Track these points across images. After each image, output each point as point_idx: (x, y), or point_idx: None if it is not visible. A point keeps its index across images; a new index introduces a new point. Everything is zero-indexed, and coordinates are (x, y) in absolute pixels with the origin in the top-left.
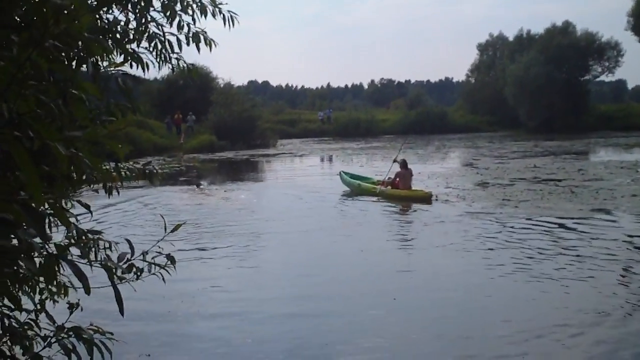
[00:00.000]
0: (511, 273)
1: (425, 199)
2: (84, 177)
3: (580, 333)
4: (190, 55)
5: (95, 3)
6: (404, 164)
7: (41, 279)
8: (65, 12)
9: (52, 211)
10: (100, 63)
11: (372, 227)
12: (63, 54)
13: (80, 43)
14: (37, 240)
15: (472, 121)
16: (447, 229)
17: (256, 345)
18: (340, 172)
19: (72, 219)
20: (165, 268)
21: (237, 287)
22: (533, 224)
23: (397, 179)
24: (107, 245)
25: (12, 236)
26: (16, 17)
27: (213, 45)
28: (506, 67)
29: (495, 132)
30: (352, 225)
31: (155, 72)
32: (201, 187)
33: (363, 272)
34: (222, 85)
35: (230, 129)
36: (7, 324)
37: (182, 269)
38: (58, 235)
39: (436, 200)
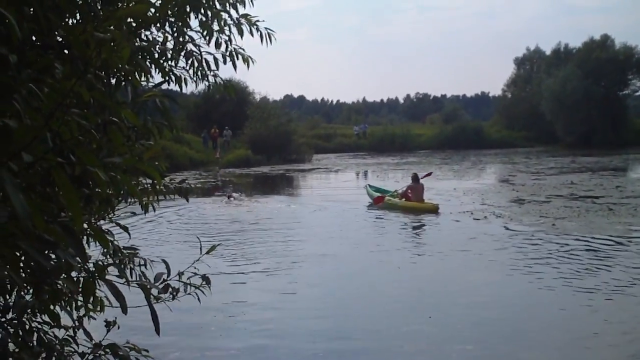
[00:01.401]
0: (549, 290)
1: (432, 210)
2: (121, 197)
3: (616, 345)
4: (227, 70)
5: (135, 24)
6: (415, 178)
7: (79, 296)
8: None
9: (91, 232)
10: (138, 80)
11: (407, 242)
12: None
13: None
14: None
15: (509, 136)
16: (484, 246)
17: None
18: (366, 185)
19: (109, 237)
20: (201, 288)
21: (270, 302)
22: (570, 242)
23: (409, 192)
24: (142, 262)
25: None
26: (58, 38)
27: (250, 63)
28: (543, 82)
29: (532, 148)
30: (388, 241)
31: (191, 86)
32: (232, 198)
33: (398, 288)
34: (258, 100)
35: (266, 143)
36: (45, 340)
37: (214, 286)
38: (94, 249)
39: (471, 215)
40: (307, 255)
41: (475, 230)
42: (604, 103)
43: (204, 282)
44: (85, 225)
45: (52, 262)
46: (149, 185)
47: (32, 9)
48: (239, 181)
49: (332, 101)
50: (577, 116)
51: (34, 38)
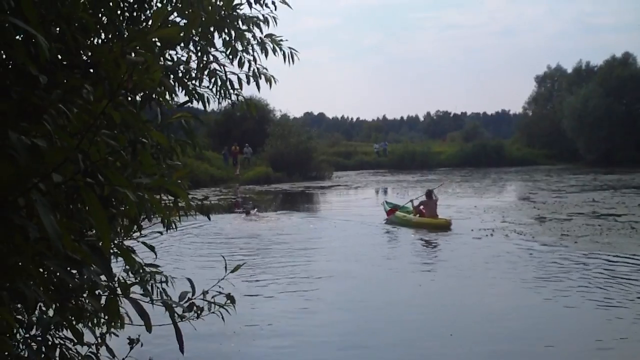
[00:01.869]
0: (570, 308)
1: (445, 226)
2: (144, 216)
3: None
4: (248, 88)
5: (160, 44)
6: (429, 194)
7: (102, 313)
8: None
9: (118, 252)
10: (168, 101)
11: (428, 260)
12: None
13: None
14: (102, 277)
15: (529, 154)
16: (505, 263)
17: None
18: (383, 202)
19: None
20: (225, 307)
21: (290, 323)
22: (592, 260)
23: (423, 207)
24: (163, 279)
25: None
26: (84, 57)
27: (273, 82)
28: (564, 100)
29: (553, 165)
30: (408, 258)
31: (214, 104)
32: (251, 214)
33: (419, 306)
34: (278, 117)
35: (286, 160)
36: (68, 356)
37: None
38: (115, 266)
39: (492, 233)
40: (327, 273)
41: (496, 248)
42: (626, 121)
43: (228, 301)
44: (111, 245)
45: (76, 280)
46: (171, 203)
47: (58, 29)
48: (259, 198)
49: (352, 119)
50: (598, 134)
51: (59, 57)
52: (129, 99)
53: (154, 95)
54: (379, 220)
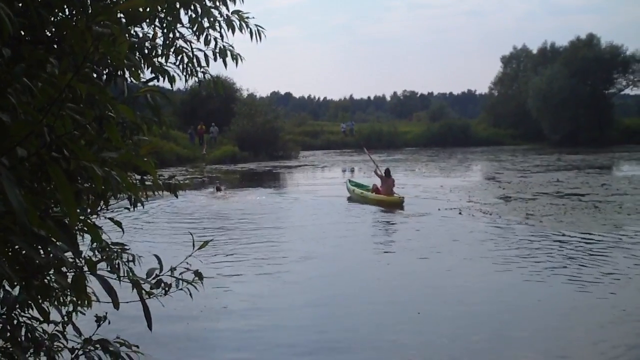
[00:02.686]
0: (536, 284)
1: (398, 203)
2: (112, 193)
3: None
4: (215, 67)
5: (125, 20)
6: (387, 173)
7: (69, 291)
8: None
9: (85, 227)
10: (137, 74)
11: (395, 240)
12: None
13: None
14: (68, 254)
15: (495, 134)
16: (471, 242)
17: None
18: (346, 181)
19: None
20: (193, 284)
21: (258, 299)
22: (557, 238)
23: (380, 186)
24: (130, 258)
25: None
26: (47, 33)
27: (240, 61)
28: (530, 80)
29: (518, 146)
30: (375, 238)
31: (180, 83)
32: (220, 191)
33: (387, 285)
34: (245, 97)
35: (252, 140)
36: (34, 336)
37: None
38: (81, 244)
39: (458, 212)
40: (295, 253)
41: (462, 227)
42: (590, 102)
43: (196, 278)
44: (78, 221)
45: (42, 257)
46: (137, 180)
47: (21, 4)
48: (226, 177)
49: (319, 98)
50: (563, 114)
51: (22, 33)
52: (95, 74)
53: (119, 72)
54: (345, 199)
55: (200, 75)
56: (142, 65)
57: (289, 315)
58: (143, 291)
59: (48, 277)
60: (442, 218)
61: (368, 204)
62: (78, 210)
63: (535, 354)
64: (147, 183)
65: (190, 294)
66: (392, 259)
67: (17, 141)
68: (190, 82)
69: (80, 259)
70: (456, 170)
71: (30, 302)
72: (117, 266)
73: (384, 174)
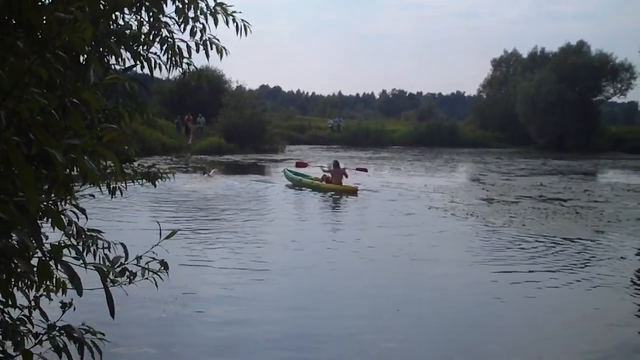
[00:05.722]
0: (513, 285)
1: (352, 192)
2: (80, 181)
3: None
4: (203, 58)
5: (107, 6)
6: (336, 164)
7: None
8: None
9: (47, 213)
10: (110, 64)
11: (376, 235)
12: (68, 61)
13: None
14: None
15: (482, 136)
16: (452, 242)
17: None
18: (284, 170)
19: (73, 218)
20: (158, 273)
21: (236, 284)
22: (537, 241)
23: (330, 176)
24: (105, 245)
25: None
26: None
27: (224, 54)
28: (518, 84)
29: (504, 149)
30: (356, 230)
31: (164, 73)
32: (209, 174)
33: (368, 282)
34: (233, 89)
35: (239, 132)
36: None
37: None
38: (58, 232)
39: (440, 212)
40: (274, 241)
41: (444, 226)
42: (577, 108)
43: (162, 267)
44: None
45: (6, 243)
46: (113, 169)
47: None
48: (210, 168)
49: (308, 93)
50: (550, 119)
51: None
52: (69, 63)
53: (82, 59)
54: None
55: (184, 66)
56: (125, 53)
57: (266, 303)
58: (108, 279)
59: (14, 263)
60: (423, 218)
61: (320, 191)
62: (43, 196)
63: (512, 350)
64: (126, 170)
65: (156, 284)
66: (372, 254)
67: None
68: (175, 72)
69: (42, 244)
70: (441, 171)
71: None
72: (91, 253)
73: (332, 167)
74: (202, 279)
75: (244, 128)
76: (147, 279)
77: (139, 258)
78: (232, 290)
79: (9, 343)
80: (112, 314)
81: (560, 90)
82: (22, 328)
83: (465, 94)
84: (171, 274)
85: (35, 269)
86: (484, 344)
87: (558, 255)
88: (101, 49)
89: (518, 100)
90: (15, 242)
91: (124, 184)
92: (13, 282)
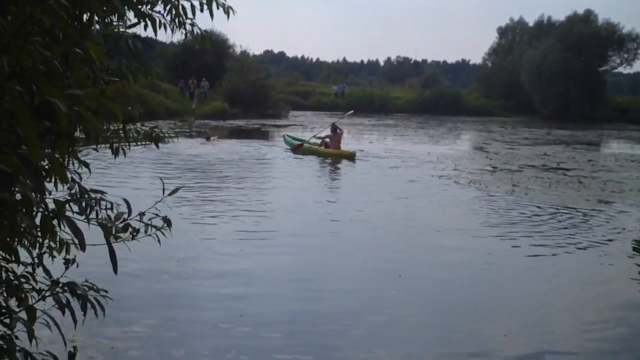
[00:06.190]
0: (519, 255)
1: (350, 156)
2: (89, 136)
3: (566, 313)
4: (207, 21)
5: None
6: (334, 129)
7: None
8: None
9: (50, 166)
10: (113, 23)
11: (378, 201)
12: (74, 12)
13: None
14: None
15: (486, 105)
16: (454, 209)
17: (252, 311)
18: (284, 135)
19: (76, 177)
20: (162, 230)
21: (237, 251)
22: (540, 210)
23: (329, 141)
24: (108, 205)
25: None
26: None
27: (231, 13)
28: (524, 53)
29: (509, 117)
30: (359, 197)
31: (172, 36)
32: (210, 140)
33: (370, 246)
34: (238, 53)
35: (243, 97)
36: (3, 277)
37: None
38: (61, 193)
39: (444, 180)
40: (277, 206)
41: (447, 194)
42: (583, 77)
43: (164, 224)
44: (46, 161)
45: (9, 196)
46: (118, 129)
47: None
48: (212, 134)
49: (312, 59)
50: (555, 89)
51: None
52: (72, 15)
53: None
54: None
55: (188, 27)
56: (127, 11)
57: (268, 270)
58: (111, 235)
59: (18, 218)
60: (426, 185)
61: (319, 156)
62: (47, 151)
63: (514, 319)
64: (128, 130)
65: (159, 240)
66: (375, 222)
67: None
68: (178, 36)
69: (45, 197)
70: (445, 139)
71: None
72: (94, 213)
73: (330, 132)
74: (201, 245)
75: (247, 93)
76: (150, 235)
77: (142, 214)
78: (233, 259)
79: (13, 300)
80: (115, 269)
81: (565, 59)
82: (25, 285)
83: (470, 62)
84: (172, 239)
85: (38, 226)
86: (483, 310)
87: (560, 224)
88: (104, 7)
89: (523, 69)
90: (18, 198)
91: (127, 145)
92: (17, 239)
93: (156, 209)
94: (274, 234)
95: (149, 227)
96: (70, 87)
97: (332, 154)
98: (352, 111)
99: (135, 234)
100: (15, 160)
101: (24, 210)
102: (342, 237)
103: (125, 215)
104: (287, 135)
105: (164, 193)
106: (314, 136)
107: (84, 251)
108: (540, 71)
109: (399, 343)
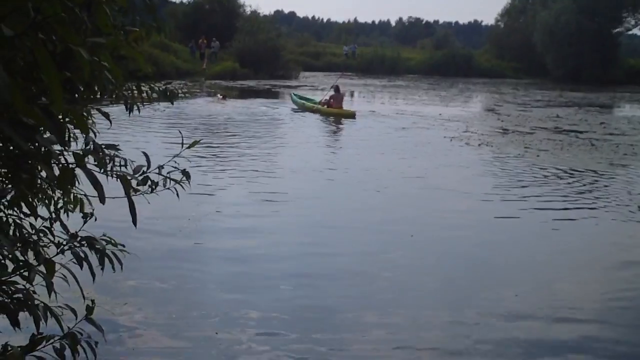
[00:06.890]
0: (529, 219)
1: (351, 116)
2: (104, 90)
3: (573, 279)
4: None
5: None
6: (336, 89)
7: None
8: None
9: (71, 117)
10: None
11: (388, 164)
12: None
13: None
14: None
15: (498, 66)
16: (465, 171)
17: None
18: (291, 94)
19: (92, 130)
20: (181, 183)
21: (249, 212)
22: (552, 172)
23: (332, 100)
24: (123, 162)
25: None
26: None
27: None
28: (537, 14)
29: (521, 79)
30: (369, 159)
31: None
32: (225, 98)
33: (381, 207)
34: (248, 13)
35: (254, 57)
36: (21, 232)
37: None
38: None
39: (455, 141)
40: (289, 168)
41: (458, 156)
42: (596, 39)
43: (183, 177)
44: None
45: (30, 147)
46: (134, 87)
47: None
48: (225, 93)
49: (323, 20)
50: (568, 50)
51: None
52: None
53: None
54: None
55: None
56: None
57: (280, 231)
58: (130, 188)
59: (37, 170)
60: (437, 146)
61: (321, 115)
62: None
63: (523, 283)
64: (142, 88)
65: (177, 194)
66: (385, 182)
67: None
68: None
69: (67, 148)
70: (456, 100)
71: (18, 196)
72: (109, 168)
73: (333, 92)
74: (211, 206)
75: (258, 53)
76: (168, 188)
77: (160, 167)
78: (241, 220)
79: (31, 253)
80: (135, 222)
81: (579, 20)
82: (43, 239)
83: (483, 23)
84: (181, 200)
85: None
86: (493, 271)
87: (572, 187)
88: None
89: (536, 30)
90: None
91: (141, 103)
92: (35, 194)
93: (175, 161)
94: (283, 195)
95: (168, 180)
96: (87, 34)
97: (332, 113)
98: (341, 73)
99: (154, 187)
100: (38, 112)
101: (44, 161)
102: (352, 199)
103: (144, 168)
104: (294, 94)
105: (182, 146)
106: (320, 102)
107: (103, 204)
108: (553, 33)
109: (409, 303)
